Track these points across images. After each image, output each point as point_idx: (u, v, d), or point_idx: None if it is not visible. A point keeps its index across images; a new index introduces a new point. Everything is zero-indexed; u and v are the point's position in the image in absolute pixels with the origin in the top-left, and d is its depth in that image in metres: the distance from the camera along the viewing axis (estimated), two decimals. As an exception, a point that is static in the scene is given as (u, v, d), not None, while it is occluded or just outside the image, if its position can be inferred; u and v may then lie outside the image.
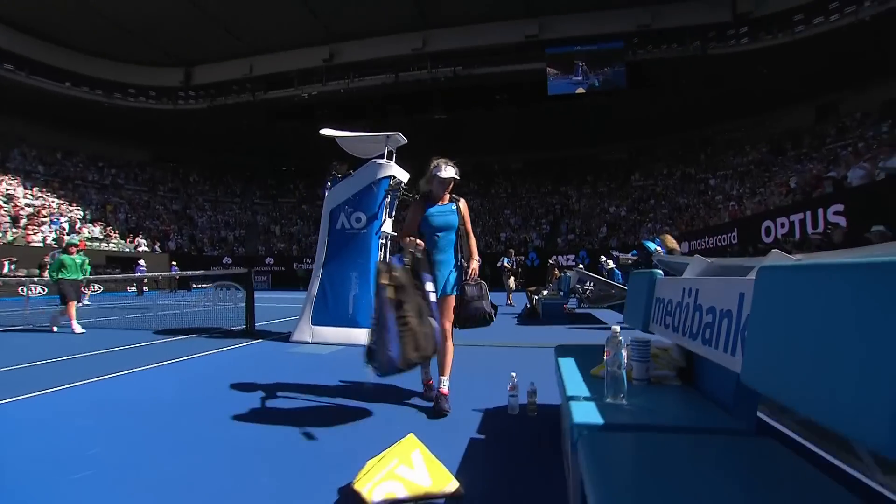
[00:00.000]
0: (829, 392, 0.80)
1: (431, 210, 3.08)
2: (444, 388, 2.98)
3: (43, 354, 5.25)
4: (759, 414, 1.50)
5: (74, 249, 7.60)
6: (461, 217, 3.16)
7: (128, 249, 24.20)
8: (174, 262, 22.24)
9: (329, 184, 5.78)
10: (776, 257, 1.36)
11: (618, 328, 1.58)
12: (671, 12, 23.26)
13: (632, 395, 1.61)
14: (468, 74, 26.76)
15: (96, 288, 19.66)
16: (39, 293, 17.71)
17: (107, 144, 32.00)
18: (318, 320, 5.35)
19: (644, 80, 24.84)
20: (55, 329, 7.33)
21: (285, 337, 6.08)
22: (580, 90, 24.94)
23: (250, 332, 6.64)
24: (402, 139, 5.75)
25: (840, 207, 7.96)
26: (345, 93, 29.42)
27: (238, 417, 2.90)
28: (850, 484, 1.25)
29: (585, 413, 1.42)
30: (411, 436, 2.02)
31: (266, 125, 31.89)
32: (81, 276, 7.63)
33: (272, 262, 26.69)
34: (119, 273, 20.21)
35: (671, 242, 7.15)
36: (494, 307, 3.11)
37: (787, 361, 0.95)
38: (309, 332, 5.37)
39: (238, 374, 4.10)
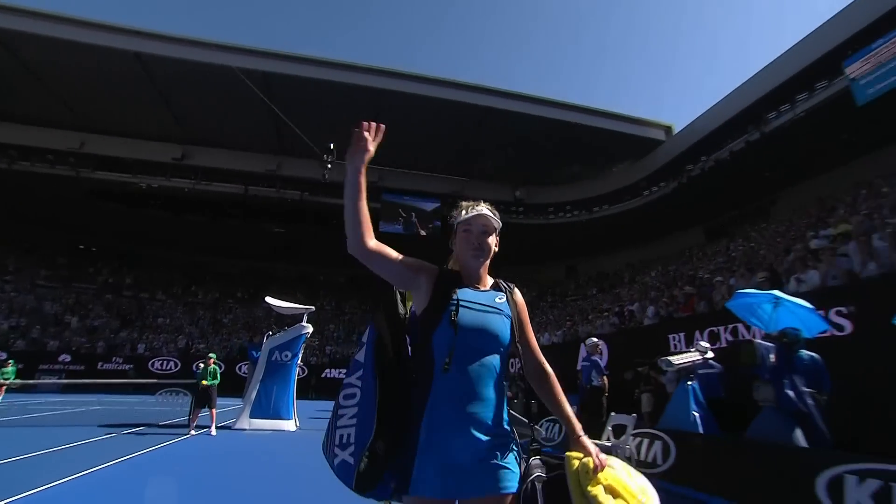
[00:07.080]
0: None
1: (462, 295, 1.50)
2: None
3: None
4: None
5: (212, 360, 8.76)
6: (518, 319, 1.58)
7: None
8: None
9: (266, 336, 9.58)
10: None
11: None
12: (474, 187, 32.19)
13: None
14: (313, 201, 30.33)
15: None
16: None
17: None
18: (255, 415, 8.68)
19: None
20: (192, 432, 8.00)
21: (225, 426, 8.77)
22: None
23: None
24: (312, 308, 9.83)
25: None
26: (188, 192, 29.59)
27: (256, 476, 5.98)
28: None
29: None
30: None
31: (79, 200, 29.22)
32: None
33: (68, 359, 23.51)
34: None
35: None
36: None
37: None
38: (247, 423, 8.80)
39: (225, 451, 6.87)
